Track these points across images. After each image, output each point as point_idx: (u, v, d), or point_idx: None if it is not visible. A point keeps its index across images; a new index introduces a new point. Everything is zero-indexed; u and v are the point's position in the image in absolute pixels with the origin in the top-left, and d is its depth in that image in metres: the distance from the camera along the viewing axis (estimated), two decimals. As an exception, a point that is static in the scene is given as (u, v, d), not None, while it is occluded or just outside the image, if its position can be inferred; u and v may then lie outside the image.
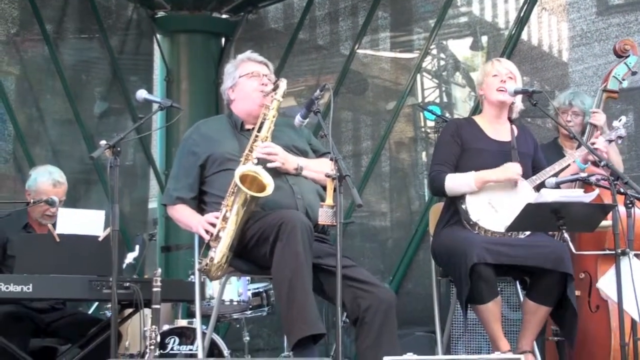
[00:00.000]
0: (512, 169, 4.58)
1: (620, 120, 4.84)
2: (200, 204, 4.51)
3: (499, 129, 4.80)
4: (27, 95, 8.00)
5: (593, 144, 4.72)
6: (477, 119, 4.89)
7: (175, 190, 4.52)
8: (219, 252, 4.20)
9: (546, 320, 4.64)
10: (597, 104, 5.16)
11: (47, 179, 5.22)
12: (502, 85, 4.72)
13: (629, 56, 5.11)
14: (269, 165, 4.29)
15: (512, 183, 4.59)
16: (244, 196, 4.15)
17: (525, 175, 4.66)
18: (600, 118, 5.10)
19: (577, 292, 4.71)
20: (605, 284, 4.38)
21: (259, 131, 4.40)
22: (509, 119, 4.84)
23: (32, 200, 5.16)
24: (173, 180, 4.59)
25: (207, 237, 4.26)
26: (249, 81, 4.57)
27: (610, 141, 4.80)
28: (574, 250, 4.34)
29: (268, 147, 4.34)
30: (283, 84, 4.47)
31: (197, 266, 4.34)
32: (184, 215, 4.48)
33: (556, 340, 5.04)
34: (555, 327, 4.92)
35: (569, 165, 4.78)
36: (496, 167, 4.62)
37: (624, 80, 5.12)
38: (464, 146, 4.73)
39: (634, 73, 5.17)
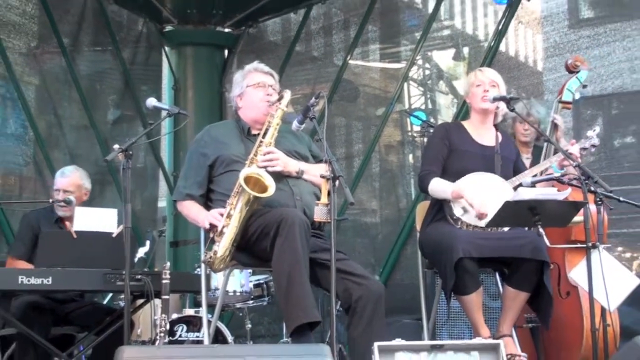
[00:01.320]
0: (487, 207, 4.46)
1: (594, 130, 4.84)
2: (207, 201, 4.51)
3: (484, 134, 4.81)
4: (46, 103, 7.98)
5: (567, 150, 4.72)
6: (465, 124, 4.89)
7: (185, 187, 4.53)
8: (222, 246, 4.20)
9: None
10: (553, 114, 5.18)
11: (58, 173, 5.37)
12: (486, 95, 4.73)
13: (579, 71, 5.14)
14: (270, 169, 4.29)
15: (489, 191, 4.57)
16: (248, 196, 4.16)
17: (506, 178, 4.66)
18: (560, 120, 5.15)
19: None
20: (577, 274, 4.40)
21: (263, 137, 4.40)
22: (495, 125, 4.85)
23: (51, 200, 5.20)
24: (183, 179, 4.59)
25: (212, 228, 4.27)
26: (256, 91, 4.57)
27: (584, 149, 4.80)
28: (548, 244, 4.36)
29: (270, 152, 4.35)
30: (287, 94, 4.47)
31: (202, 258, 4.35)
32: (192, 210, 4.49)
33: (530, 327, 5.06)
34: (529, 315, 4.94)
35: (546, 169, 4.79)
36: (480, 167, 4.64)
37: (576, 92, 5.14)
38: (451, 148, 4.73)
39: (584, 86, 5.21)
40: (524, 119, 5.22)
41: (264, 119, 4.49)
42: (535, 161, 5.22)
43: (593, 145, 4.83)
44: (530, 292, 4.47)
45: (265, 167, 4.30)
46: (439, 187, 4.64)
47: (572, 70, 5.17)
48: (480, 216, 4.45)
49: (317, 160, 4.61)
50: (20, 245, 5.13)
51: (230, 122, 4.79)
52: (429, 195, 4.75)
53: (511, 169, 4.76)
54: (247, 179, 4.18)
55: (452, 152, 4.73)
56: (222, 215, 4.24)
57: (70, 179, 5.32)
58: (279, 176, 4.31)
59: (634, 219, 6.20)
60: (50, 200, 5.22)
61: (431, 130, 5.62)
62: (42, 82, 8.03)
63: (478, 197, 4.50)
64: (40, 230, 5.05)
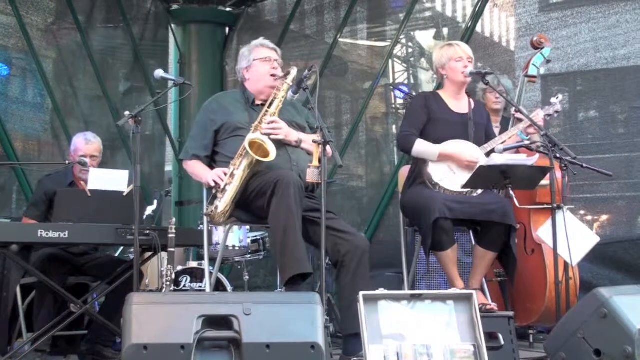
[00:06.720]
0: (478, 158, 4.51)
1: (557, 97, 4.83)
2: (211, 162, 4.50)
3: (459, 103, 4.76)
4: (62, 75, 7.94)
5: (534, 118, 4.70)
6: (441, 93, 4.81)
7: (192, 148, 4.52)
8: (223, 202, 4.22)
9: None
10: (520, 87, 5.14)
11: (80, 139, 5.18)
12: (465, 70, 4.68)
13: (543, 48, 5.10)
14: (273, 137, 4.28)
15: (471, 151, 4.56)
16: (251, 159, 4.18)
17: (479, 142, 4.64)
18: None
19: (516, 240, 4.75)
20: (544, 232, 4.42)
21: (269, 107, 4.39)
22: (466, 92, 4.82)
23: (67, 162, 5.14)
24: (191, 140, 4.58)
25: (215, 185, 4.27)
26: (263, 65, 4.54)
27: (548, 115, 4.79)
28: (517, 205, 4.37)
29: (275, 122, 4.34)
30: (294, 71, 4.45)
31: (205, 211, 4.35)
32: (197, 169, 4.48)
33: (498, 280, 5.09)
34: (498, 270, 4.96)
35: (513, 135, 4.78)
36: (456, 134, 4.61)
37: (540, 67, 5.11)
38: (430, 115, 4.68)
39: (548, 61, 5.15)
40: (495, 89, 5.21)
41: (269, 91, 4.47)
42: (503, 130, 5.19)
43: (556, 112, 4.81)
44: (497, 253, 4.49)
45: (268, 134, 4.28)
46: (423, 148, 4.58)
47: (536, 47, 5.13)
48: (471, 165, 4.45)
49: (314, 131, 4.58)
50: (34, 209, 5.05)
51: (236, 92, 4.76)
52: (410, 155, 4.71)
53: (483, 133, 4.74)
54: (252, 144, 4.19)
55: (430, 120, 4.67)
56: (225, 174, 4.24)
57: (96, 144, 5.22)
58: (280, 144, 4.30)
59: (595, 185, 6.23)
60: (67, 162, 5.15)
61: (413, 103, 5.59)
62: (59, 55, 7.98)
63: (467, 152, 4.53)
64: (55, 193, 5.00)
